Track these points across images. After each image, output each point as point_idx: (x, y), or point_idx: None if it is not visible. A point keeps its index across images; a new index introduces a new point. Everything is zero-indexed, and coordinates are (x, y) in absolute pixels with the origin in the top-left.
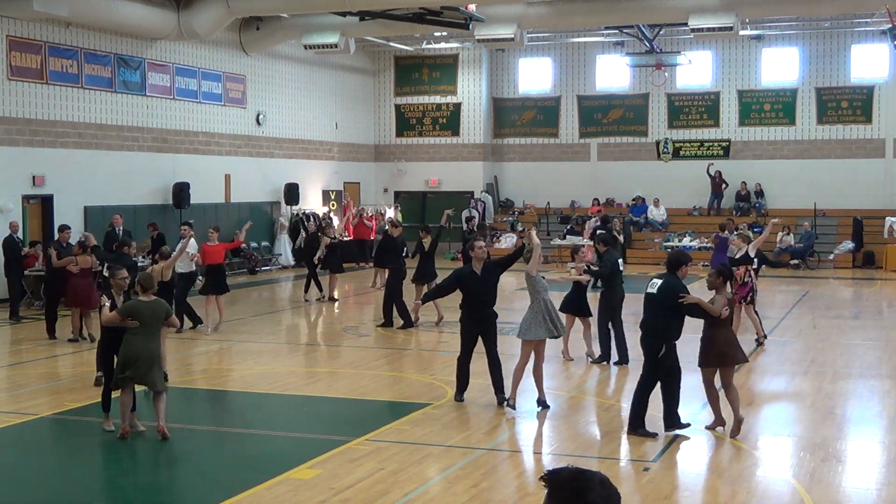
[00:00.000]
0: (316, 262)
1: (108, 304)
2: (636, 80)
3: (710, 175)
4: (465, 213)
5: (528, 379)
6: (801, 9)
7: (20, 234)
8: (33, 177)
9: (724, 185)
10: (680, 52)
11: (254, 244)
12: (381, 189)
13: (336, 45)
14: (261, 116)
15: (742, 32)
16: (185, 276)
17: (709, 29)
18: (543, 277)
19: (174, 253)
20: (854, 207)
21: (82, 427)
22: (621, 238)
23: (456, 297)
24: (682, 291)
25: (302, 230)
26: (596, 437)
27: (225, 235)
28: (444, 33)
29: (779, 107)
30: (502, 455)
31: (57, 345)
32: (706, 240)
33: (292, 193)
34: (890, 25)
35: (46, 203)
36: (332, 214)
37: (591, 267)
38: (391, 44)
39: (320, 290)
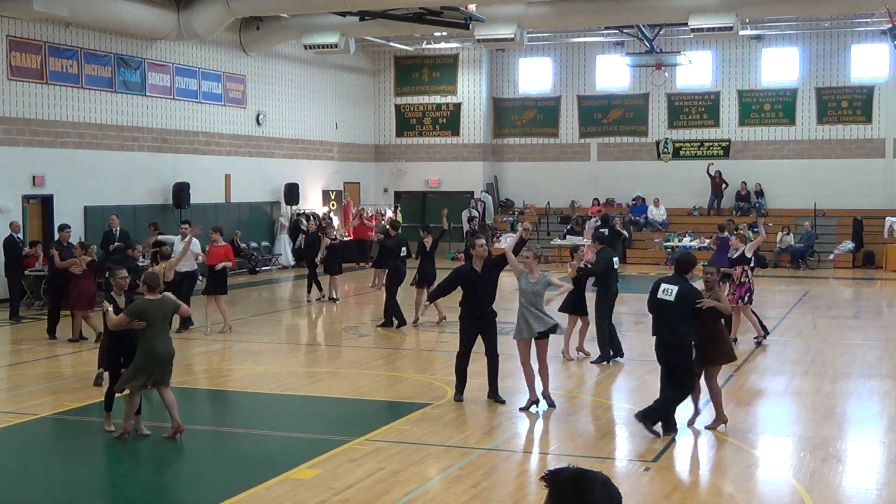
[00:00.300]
0: (318, 262)
1: (110, 308)
2: (636, 80)
3: (710, 175)
4: (465, 214)
5: (524, 380)
6: (801, 9)
7: (20, 235)
8: (33, 177)
9: (724, 185)
10: (680, 52)
11: (254, 244)
12: (381, 189)
13: (336, 45)
14: (261, 116)
15: (742, 32)
16: (190, 275)
17: (709, 29)
18: (538, 274)
19: (177, 253)
20: (854, 207)
21: (82, 427)
22: (626, 233)
23: (456, 296)
24: (697, 296)
25: (301, 230)
26: (596, 437)
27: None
28: (444, 33)
29: (779, 107)
30: (502, 455)
31: (57, 345)
32: (706, 240)
33: (292, 193)
34: (890, 25)
35: (46, 203)
36: (332, 214)
37: (587, 265)
38: (391, 44)
39: (320, 290)
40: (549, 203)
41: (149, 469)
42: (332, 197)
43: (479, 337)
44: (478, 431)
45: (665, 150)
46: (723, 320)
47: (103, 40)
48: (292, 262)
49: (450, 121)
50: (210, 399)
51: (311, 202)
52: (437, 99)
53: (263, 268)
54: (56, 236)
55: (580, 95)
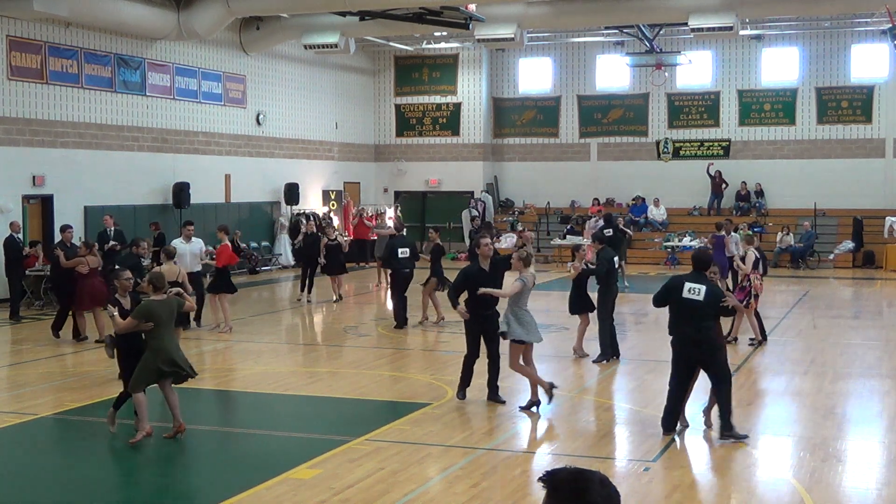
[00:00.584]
0: (321, 261)
1: (115, 312)
2: (636, 80)
3: (710, 175)
4: (465, 213)
5: (524, 380)
6: (801, 9)
7: (20, 235)
8: (33, 177)
9: (724, 185)
10: (680, 51)
11: (254, 244)
12: (381, 189)
13: (336, 45)
14: (261, 116)
15: (742, 32)
16: (199, 275)
17: (709, 29)
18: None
19: (184, 254)
20: (854, 207)
21: (83, 427)
22: (630, 232)
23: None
24: (722, 295)
25: (302, 230)
26: (596, 437)
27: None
28: (444, 33)
29: (779, 107)
30: (502, 455)
31: (58, 344)
32: (706, 240)
33: (292, 193)
34: (890, 25)
35: (46, 203)
36: (332, 214)
37: (589, 265)
38: (391, 44)
39: (310, 291)
40: (549, 203)
41: (149, 469)
42: (332, 197)
43: (482, 338)
44: (478, 431)
45: (665, 149)
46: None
47: (103, 40)
48: (292, 262)
49: (450, 121)
50: (210, 399)
51: (311, 202)
52: (437, 99)
53: (263, 268)
54: (57, 236)
55: (580, 95)
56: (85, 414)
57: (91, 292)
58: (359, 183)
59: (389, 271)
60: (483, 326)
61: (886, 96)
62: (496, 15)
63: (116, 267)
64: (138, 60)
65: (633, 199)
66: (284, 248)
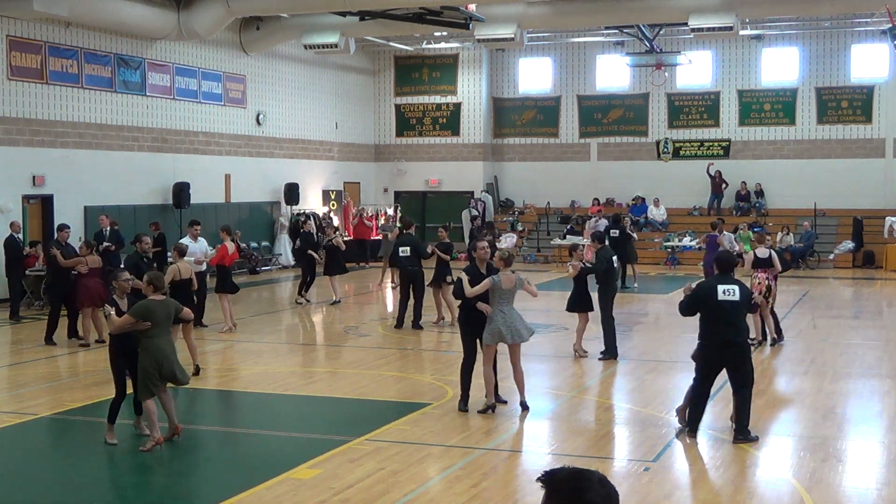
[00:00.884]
0: (319, 258)
1: (112, 311)
2: (636, 80)
3: (710, 175)
4: (465, 213)
5: (524, 379)
6: (800, 9)
7: (20, 235)
8: (33, 177)
9: (724, 185)
10: (680, 51)
11: (254, 244)
12: (381, 189)
13: (336, 45)
14: (261, 116)
15: (742, 32)
16: (203, 275)
17: (709, 29)
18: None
19: (209, 253)
20: (854, 207)
21: (82, 427)
22: (636, 235)
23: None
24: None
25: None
26: (596, 437)
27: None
28: (444, 33)
29: (779, 107)
30: (502, 455)
31: (57, 345)
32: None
33: (292, 193)
34: (890, 25)
35: (46, 203)
36: (332, 214)
37: (587, 265)
38: (391, 44)
39: (305, 291)
40: (549, 203)
41: (149, 468)
42: (332, 197)
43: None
44: (478, 431)
45: (665, 149)
46: None
47: (103, 40)
48: (292, 262)
49: (450, 121)
50: (210, 399)
51: (311, 202)
52: (437, 99)
53: (263, 268)
54: (56, 236)
55: (580, 95)
56: (85, 414)
57: (89, 293)
58: (359, 183)
59: (399, 270)
60: (478, 329)
61: (886, 96)
62: (496, 15)
63: (121, 267)
64: (138, 60)
65: (633, 199)
66: (284, 248)
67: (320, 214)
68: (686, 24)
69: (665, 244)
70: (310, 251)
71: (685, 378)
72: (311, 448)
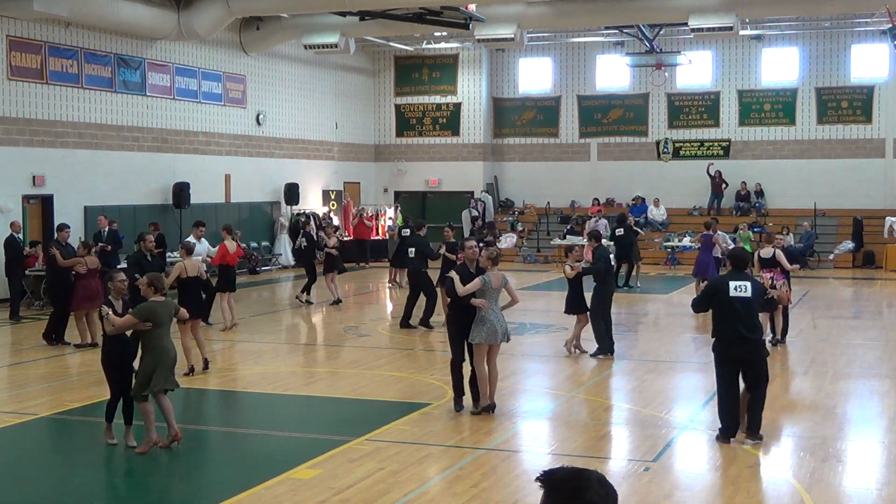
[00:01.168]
0: (319, 256)
1: (109, 311)
2: (636, 80)
3: (710, 175)
4: (465, 213)
5: (524, 380)
6: (801, 9)
7: (20, 235)
8: (33, 177)
9: (724, 185)
10: (680, 52)
11: (254, 244)
12: (381, 189)
13: (336, 45)
14: (261, 116)
15: (742, 32)
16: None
17: (709, 29)
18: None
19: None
20: (854, 207)
21: (82, 427)
22: (642, 232)
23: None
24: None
25: (301, 232)
26: (596, 437)
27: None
28: (444, 33)
29: (779, 107)
30: (502, 455)
31: (57, 345)
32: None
33: (292, 193)
34: (890, 25)
35: (46, 203)
36: (331, 214)
37: (587, 265)
38: (391, 44)
39: (306, 291)
40: (549, 203)
41: (149, 469)
42: (332, 197)
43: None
44: (478, 431)
45: (665, 149)
46: None
47: (103, 40)
48: (292, 262)
49: (450, 121)
50: (210, 399)
51: (311, 202)
52: (437, 99)
53: (263, 268)
54: (56, 237)
55: (580, 95)
56: (84, 414)
57: (88, 293)
58: (359, 183)
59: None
60: (466, 330)
61: (886, 96)
62: (496, 15)
63: (117, 267)
64: (138, 60)
65: (633, 199)
66: (284, 248)
67: (320, 214)
68: (686, 24)
69: (665, 244)
70: (317, 250)
71: (685, 378)
72: (311, 448)
